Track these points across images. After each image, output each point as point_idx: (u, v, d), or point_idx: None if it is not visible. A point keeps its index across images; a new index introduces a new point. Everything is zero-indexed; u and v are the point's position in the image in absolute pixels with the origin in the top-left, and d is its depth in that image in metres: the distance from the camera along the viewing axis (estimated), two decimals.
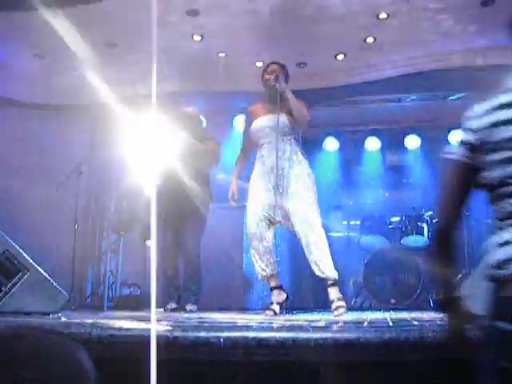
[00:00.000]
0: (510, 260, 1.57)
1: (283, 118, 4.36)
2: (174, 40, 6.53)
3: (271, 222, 4.35)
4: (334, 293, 4.21)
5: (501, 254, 1.60)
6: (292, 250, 8.31)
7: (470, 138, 1.79)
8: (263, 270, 4.32)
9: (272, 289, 4.39)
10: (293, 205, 4.21)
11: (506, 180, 1.65)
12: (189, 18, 6.03)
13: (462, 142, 1.83)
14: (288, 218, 4.27)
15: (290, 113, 4.42)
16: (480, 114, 1.80)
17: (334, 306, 4.16)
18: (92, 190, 8.26)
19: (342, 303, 4.16)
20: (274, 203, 4.27)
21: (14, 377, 1.18)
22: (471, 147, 1.78)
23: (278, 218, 4.29)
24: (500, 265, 1.58)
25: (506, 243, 1.60)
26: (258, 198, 4.35)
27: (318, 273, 4.19)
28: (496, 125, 1.69)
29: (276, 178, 4.26)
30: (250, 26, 6.14)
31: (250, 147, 4.70)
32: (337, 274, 4.20)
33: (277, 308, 4.28)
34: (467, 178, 1.80)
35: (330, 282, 4.22)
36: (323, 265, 4.15)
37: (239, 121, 8.08)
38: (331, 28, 6.22)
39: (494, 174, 1.69)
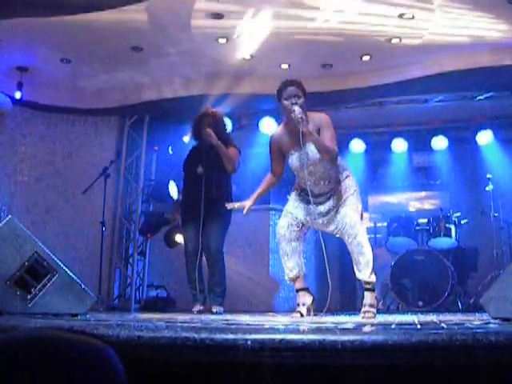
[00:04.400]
0: None
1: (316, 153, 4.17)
2: (199, 43, 6.56)
3: (303, 226, 4.35)
4: (368, 298, 4.21)
5: None
6: (318, 252, 8.29)
7: None
8: (290, 270, 4.32)
9: (298, 290, 4.38)
10: (344, 210, 4.20)
11: None
12: (213, 20, 6.05)
13: None
14: (335, 223, 4.26)
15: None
16: None
17: (363, 309, 4.16)
18: (119, 192, 8.32)
19: (373, 310, 4.17)
20: (313, 216, 4.28)
21: (44, 378, 1.19)
22: None
23: (315, 226, 4.33)
24: None
25: None
26: (296, 206, 4.36)
27: (357, 275, 4.19)
28: None
29: (320, 203, 4.28)
30: (275, 28, 6.14)
31: (278, 170, 4.54)
32: (374, 279, 4.20)
33: (303, 310, 4.28)
34: None
35: (366, 287, 4.21)
36: (363, 268, 4.15)
37: (264, 123, 8.09)
38: (356, 29, 6.19)
39: None
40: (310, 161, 4.20)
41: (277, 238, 4.42)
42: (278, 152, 4.43)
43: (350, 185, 4.33)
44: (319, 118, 4.27)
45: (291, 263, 4.31)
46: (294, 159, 4.28)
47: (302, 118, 4.02)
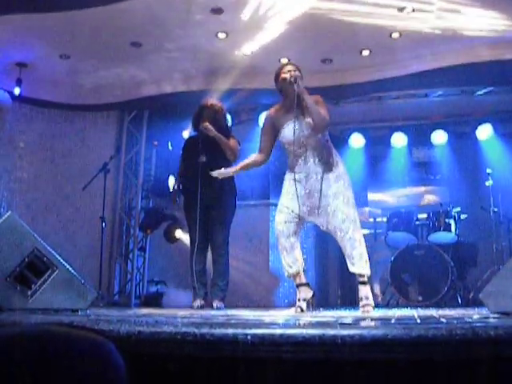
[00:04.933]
0: None
1: (311, 123, 4.22)
2: (199, 38, 6.56)
3: (300, 220, 4.35)
4: (363, 291, 4.25)
5: None
6: (318, 247, 8.30)
7: None
8: (290, 266, 4.32)
9: (298, 286, 4.39)
10: (335, 204, 4.21)
11: None
12: (213, 16, 6.04)
13: None
14: (326, 216, 4.27)
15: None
16: None
17: (361, 303, 4.20)
18: (118, 188, 8.32)
19: (370, 302, 4.21)
20: (306, 204, 4.29)
21: (44, 373, 1.19)
22: None
23: (309, 218, 4.32)
24: None
25: None
26: (290, 198, 4.34)
27: (351, 268, 4.21)
28: None
29: (313, 184, 4.29)
30: (275, 23, 6.14)
31: (266, 151, 4.54)
32: (368, 272, 4.23)
33: (303, 305, 4.29)
34: None
35: (361, 280, 4.23)
36: (357, 261, 4.16)
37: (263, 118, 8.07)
38: (356, 23, 6.18)
39: None
40: (302, 132, 4.25)
41: (275, 233, 4.43)
42: (270, 128, 4.48)
43: (341, 175, 4.33)
44: (315, 96, 4.32)
45: (290, 259, 4.31)
46: (285, 132, 4.32)
47: (296, 78, 4.20)
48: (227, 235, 5.65)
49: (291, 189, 4.36)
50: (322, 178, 4.28)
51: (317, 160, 4.30)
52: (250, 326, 1.92)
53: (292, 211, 4.32)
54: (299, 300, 4.34)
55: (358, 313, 4.16)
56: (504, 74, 6.85)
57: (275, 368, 1.87)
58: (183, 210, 5.92)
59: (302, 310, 4.24)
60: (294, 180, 4.31)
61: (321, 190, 4.26)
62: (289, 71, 4.31)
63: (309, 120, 4.22)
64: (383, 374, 1.86)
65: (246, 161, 4.62)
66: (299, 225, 4.39)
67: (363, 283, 4.25)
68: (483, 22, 6.09)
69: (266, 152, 4.55)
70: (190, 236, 5.82)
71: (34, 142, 7.96)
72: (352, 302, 7.61)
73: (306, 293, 4.36)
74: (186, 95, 7.63)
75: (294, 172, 4.35)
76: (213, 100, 6.06)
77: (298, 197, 4.28)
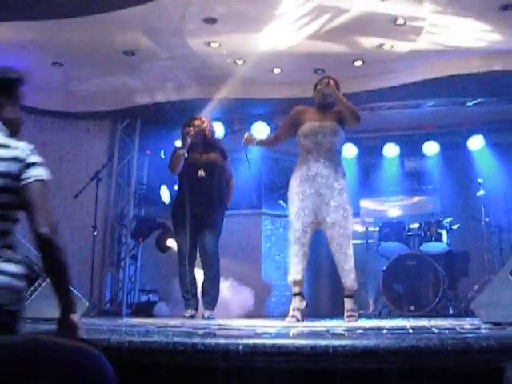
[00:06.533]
0: None
1: (333, 127, 4.51)
2: (192, 47, 6.56)
3: (314, 227, 4.44)
4: (349, 303, 4.46)
5: None
6: (310, 256, 8.29)
7: None
8: (297, 273, 4.41)
9: (295, 294, 4.45)
10: (334, 216, 4.35)
11: None
12: (206, 25, 6.05)
13: None
14: (325, 226, 4.39)
15: (338, 121, 4.56)
16: None
17: (346, 314, 4.41)
18: (111, 197, 8.29)
19: (355, 314, 4.44)
20: (316, 208, 4.40)
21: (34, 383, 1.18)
22: None
23: (318, 221, 4.43)
24: None
25: None
26: (302, 204, 4.44)
27: (343, 281, 4.43)
28: None
29: (319, 186, 4.39)
30: (268, 33, 6.15)
31: (280, 136, 4.85)
32: (356, 286, 4.44)
33: (298, 314, 4.33)
34: None
35: (347, 293, 4.45)
36: (347, 275, 4.34)
37: (257, 128, 8.08)
38: (349, 34, 6.21)
39: None
40: (321, 128, 4.48)
41: (291, 238, 4.48)
42: (291, 119, 4.75)
43: (345, 189, 4.49)
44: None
45: (300, 266, 4.42)
46: (306, 126, 4.55)
47: (328, 84, 4.62)
48: (218, 244, 5.67)
49: (299, 189, 4.45)
50: (327, 184, 4.39)
51: (327, 162, 4.43)
52: (242, 336, 1.91)
53: (307, 220, 4.39)
54: (293, 309, 4.37)
55: (345, 322, 4.25)
56: (494, 85, 6.90)
57: (267, 378, 1.86)
58: (172, 220, 5.91)
59: (297, 320, 4.28)
60: (302, 179, 4.46)
61: (326, 194, 4.39)
62: (324, 83, 4.70)
63: (333, 124, 4.50)
64: (375, 383, 1.86)
65: (265, 139, 5.18)
66: (312, 234, 4.49)
67: (349, 296, 4.44)
68: (473, 34, 6.12)
69: (279, 138, 4.88)
70: (178, 247, 5.80)
71: None
72: (343, 312, 7.59)
73: (300, 303, 4.40)
74: (178, 104, 7.62)
75: (302, 170, 4.49)
76: (199, 116, 6.10)
77: (309, 196, 4.43)
